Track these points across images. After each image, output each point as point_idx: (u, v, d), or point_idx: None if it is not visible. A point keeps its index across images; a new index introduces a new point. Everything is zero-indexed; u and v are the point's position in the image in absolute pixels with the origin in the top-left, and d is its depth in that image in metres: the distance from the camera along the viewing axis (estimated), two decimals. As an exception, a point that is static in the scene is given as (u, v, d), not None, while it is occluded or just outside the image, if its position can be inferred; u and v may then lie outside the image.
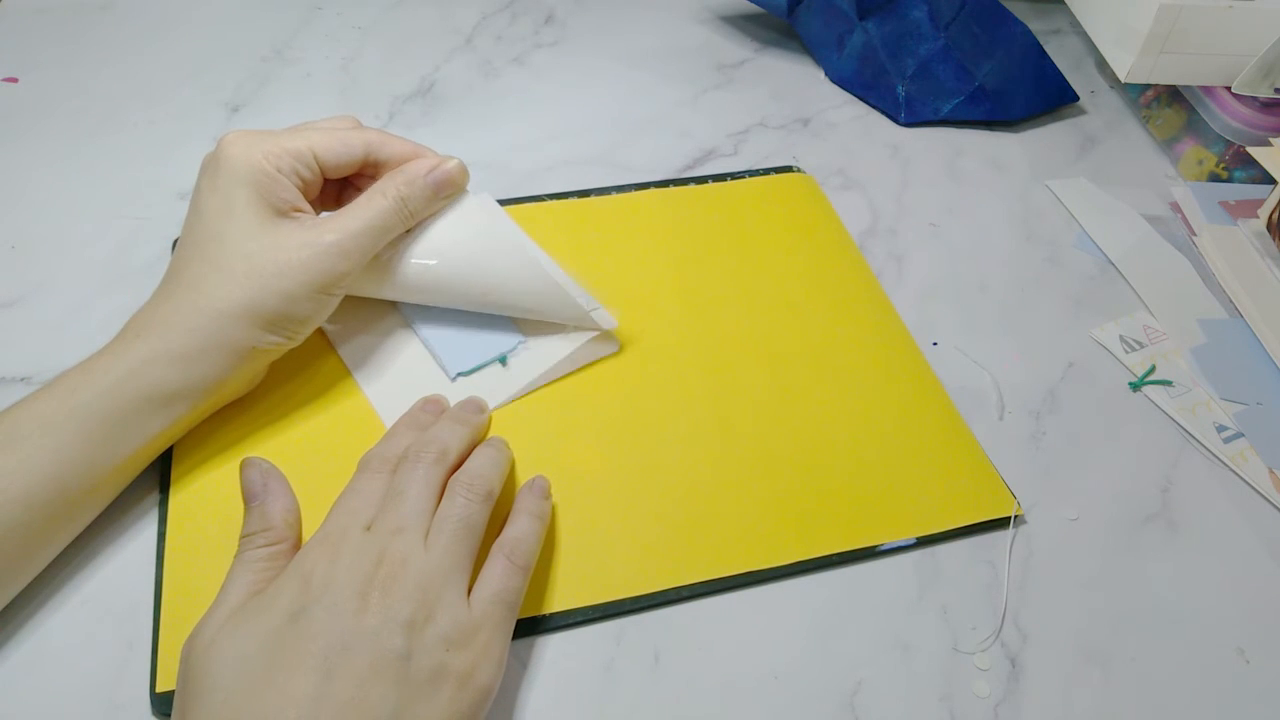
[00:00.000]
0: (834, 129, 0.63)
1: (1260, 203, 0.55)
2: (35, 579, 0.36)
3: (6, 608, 0.36)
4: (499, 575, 0.35)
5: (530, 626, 0.37)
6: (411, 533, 0.34)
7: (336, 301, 0.40)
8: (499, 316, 0.46)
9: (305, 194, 0.40)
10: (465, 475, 0.37)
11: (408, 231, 0.42)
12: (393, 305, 0.46)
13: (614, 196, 0.54)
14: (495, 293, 0.43)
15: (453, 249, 0.42)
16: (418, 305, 0.45)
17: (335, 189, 0.44)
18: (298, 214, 0.39)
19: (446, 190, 0.42)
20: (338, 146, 0.40)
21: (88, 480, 0.35)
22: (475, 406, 0.42)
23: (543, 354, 0.45)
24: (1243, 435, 0.47)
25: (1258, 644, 0.39)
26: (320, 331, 0.45)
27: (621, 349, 0.46)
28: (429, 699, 0.31)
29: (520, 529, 0.37)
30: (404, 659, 0.31)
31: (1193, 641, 0.39)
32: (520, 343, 0.45)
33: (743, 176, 0.57)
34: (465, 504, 0.35)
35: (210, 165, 0.39)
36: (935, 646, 0.38)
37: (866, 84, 0.64)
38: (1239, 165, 0.59)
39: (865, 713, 0.36)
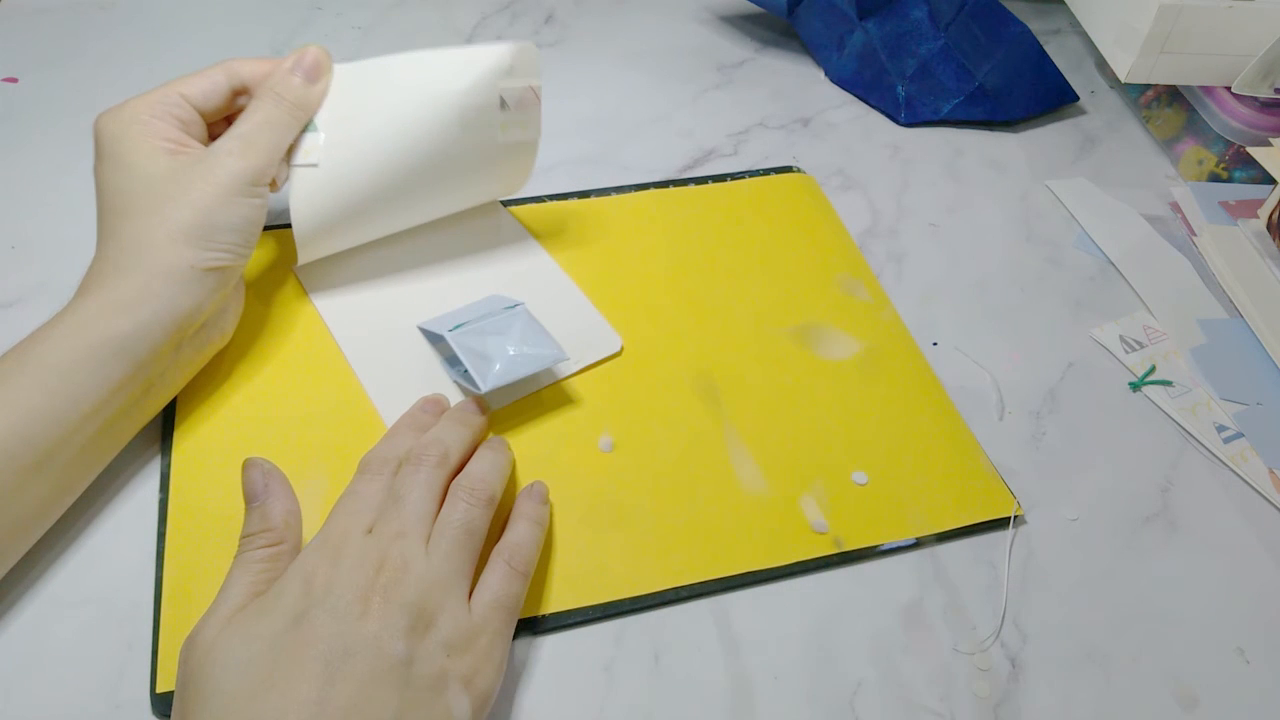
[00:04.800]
0: (834, 129, 0.63)
1: (1260, 203, 0.55)
2: (36, 579, 0.37)
3: (6, 608, 0.36)
4: (499, 581, 0.35)
5: (529, 627, 0.37)
6: (413, 537, 0.34)
7: (260, 205, 0.41)
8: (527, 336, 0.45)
9: (188, 133, 0.41)
10: (467, 480, 0.37)
11: (314, 133, 0.43)
12: (402, 301, 0.46)
13: (614, 197, 0.54)
14: (428, 103, 0.43)
15: (364, 108, 0.43)
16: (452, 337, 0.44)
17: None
18: (186, 149, 0.40)
19: (316, 74, 0.43)
20: (200, 81, 0.42)
21: (53, 431, 0.35)
22: (475, 406, 0.42)
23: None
24: (1243, 435, 0.47)
25: (1258, 644, 0.39)
26: (323, 328, 0.45)
27: (622, 349, 0.46)
28: (430, 704, 0.31)
29: (520, 534, 0.37)
30: (405, 664, 0.31)
31: (1193, 641, 0.39)
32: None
33: (743, 177, 0.57)
34: (467, 509, 0.35)
35: (95, 148, 0.40)
36: (935, 646, 0.38)
37: (866, 84, 0.64)
38: (1239, 165, 0.59)
39: (865, 713, 0.36)
